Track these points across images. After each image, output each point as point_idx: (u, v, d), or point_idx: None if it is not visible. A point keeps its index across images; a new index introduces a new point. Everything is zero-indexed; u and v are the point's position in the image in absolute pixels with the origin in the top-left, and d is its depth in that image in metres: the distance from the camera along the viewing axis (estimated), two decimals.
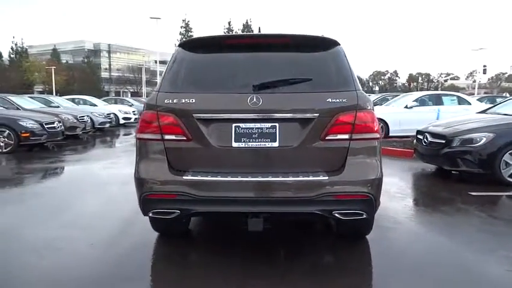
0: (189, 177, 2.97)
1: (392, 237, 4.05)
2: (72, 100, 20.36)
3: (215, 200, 2.99)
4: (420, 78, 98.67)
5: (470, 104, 13.21)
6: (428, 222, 4.67)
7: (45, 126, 10.71)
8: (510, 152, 6.11)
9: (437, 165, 7.38)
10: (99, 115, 16.46)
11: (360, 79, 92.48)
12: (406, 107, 12.78)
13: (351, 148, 3.01)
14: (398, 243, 3.93)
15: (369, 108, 3.07)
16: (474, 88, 54.51)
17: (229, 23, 54.93)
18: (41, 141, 10.63)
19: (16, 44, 55.36)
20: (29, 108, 12.88)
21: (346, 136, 3.00)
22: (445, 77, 78.93)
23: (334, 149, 3.02)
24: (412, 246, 3.85)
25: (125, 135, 16.01)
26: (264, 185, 2.96)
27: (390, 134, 12.19)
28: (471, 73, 79.76)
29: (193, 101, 3.03)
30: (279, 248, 3.73)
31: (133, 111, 20.68)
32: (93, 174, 7.64)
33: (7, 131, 10.00)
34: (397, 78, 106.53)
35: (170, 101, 3.06)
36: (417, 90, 58.93)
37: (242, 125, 3.01)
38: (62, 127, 11.64)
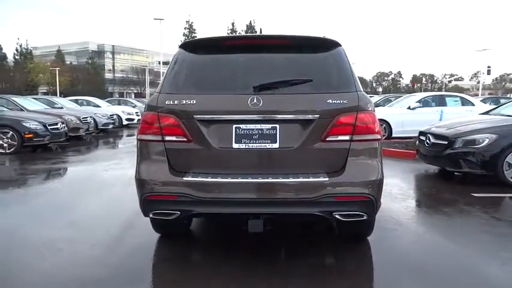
0: (190, 178, 2.98)
1: (394, 238, 4.04)
2: (76, 101, 20.43)
3: (215, 201, 3.00)
4: (424, 79, 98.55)
5: (473, 105, 13.15)
6: (430, 223, 4.65)
7: (49, 127, 10.74)
8: None
9: (439, 167, 7.35)
10: (102, 116, 16.50)
11: (364, 80, 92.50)
12: (409, 108, 12.75)
13: (351, 149, 3.00)
14: (399, 244, 3.92)
15: (369, 109, 3.06)
16: (478, 89, 54.33)
17: (232, 23, 55.08)
18: (44, 142, 10.67)
19: (21, 46, 55.80)
20: (32, 109, 12.93)
21: (346, 137, 3.00)
22: (449, 78, 78.68)
23: (334, 150, 3.02)
24: (413, 248, 3.84)
25: (128, 136, 16.04)
26: (264, 186, 2.96)
27: (393, 135, 12.17)
28: (475, 74, 79.54)
29: (194, 102, 3.04)
30: (280, 249, 3.73)
31: (136, 112, 20.71)
32: (96, 175, 7.66)
33: (10, 132, 10.05)
34: (400, 79, 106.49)
35: (171, 102, 3.06)
36: (421, 91, 58.72)
37: (243, 126, 3.01)
38: (65, 128, 11.67)
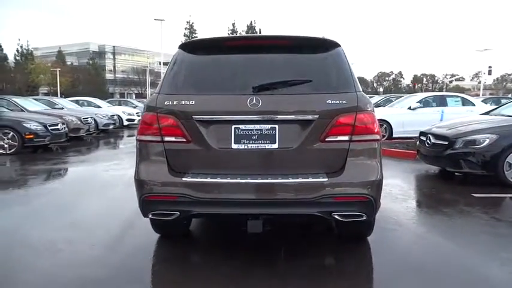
0: (189, 179, 2.98)
1: (394, 238, 4.03)
2: (76, 102, 20.46)
3: (214, 201, 3.00)
4: (425, 79, 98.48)
5: (474, 105, 13.14)
6: (431, 224, 4.64)
7: (49, 128, 10.76)
8: None
9: (440, 167, 7.34)
10: (103, 117, 16.52)
11: (365, 80, 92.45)
12: (409, 108, 12.73)
13: (350, 150, 3.00)
14: (400, 245, 3.91)
15: (369, 109, 3.06)
16: (479, 89, 54.24)
17: (233, 24, 54.96)
18: (45, 143, 10.69)
19: (22, 46, 55.77)
20: (33, 110, 12.94)
21: (346, 138, 3.00)
22: (450, 78, 78.59)
23: (334, 151, 3.01)
24: (414, 248, 3.83)
25: (128, 136, 16.04)
26: (264, 187, 2.96)
27: (393, 136, 12.16)
28: (476, 74, 79.35)
29: (193, 102, 3.04)
30: (279, 249, 3.72)
31: (137, 113, 20.74)
32: (96, 176, 7.67)
33: (11, 133, 10.06)
34: (401, 79, 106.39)
35: (170, 103, 3.06)
36: (422, 91, 58.68)
37: (242, 126, 3.01)
38: (66, 129, 11.68)
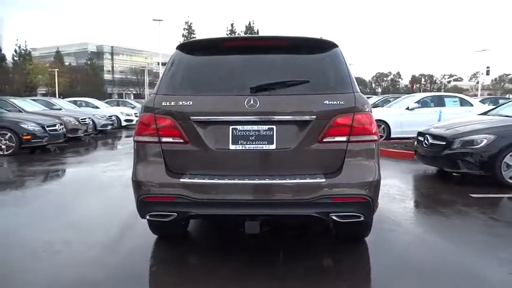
0: (186, 180, 2.97)
1: (392, 239, 4.03)
2: (74, 102, 20.42)
3: (212, 202, 2.99)
4: (423, 80, 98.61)
5: (472, 105, 13.18)
6: (428, 224, 4.65)
7: (47, 128, 10.73)
8: (511, 153, 6.08)
9: (438, 167, 7.35)
10: (101, 117, 16.50)
11: (363, 80, 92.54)
12: (407, 108, 12.75)
13: (348, 150, 3.00)
14: (397, 245, 3.91)
15: (366, 110, 3.06)
16: (477, 89, 54.32)
17: (231, 24, 54.83)
18: (43, 144, 10.65)
19: (19, 47, 55.55)
20: (30, 111, 12.90)
21: (343, 138, 2.99)
22: (448, 78, 78.72)
23: (331, 151, 3.01)
24: (411, 249, 3.83)
25: (126, 137, 16.03)
26: (261, 188, 2.95)
27: (392, 136, 12.18)
28: (474, 74, 79.58)
29: (191, 103, 3.03)
30: (278, 251, 3.72)
31: (135, 113, 20.71)
32: (94, 177, 7.66)
33: (9, 134, 10.03)
34: (400, 79, 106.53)
35: (167, 104, 3.06)
36: (420, 92, 58.75)
37: (239, 127, 3.01)
38: (64, 129, 11.65)
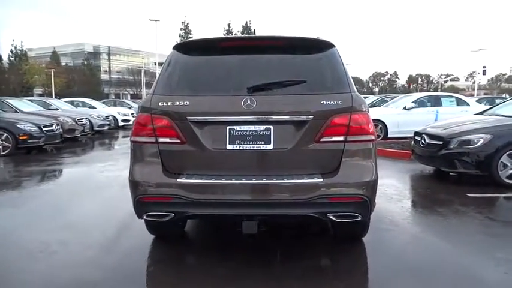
0: (184, 180, 2.97)
1: (389, 239, 4.04)
2: (71, 103, 20.37)
3: (209, 202, 2.99)
4: (420, 80, 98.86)
5: (468, 105, 13.21)
6: (426, 224, 4.65)
7: (44, 129, 10.70)
8: (508, 153, 6.11)
9: (435, 167, 7.37)
10: (98, 117, 16.46)
11: (360, 80, 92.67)
12: (404, 108, 12.78)
13: (345, 150, 3.00)
14: (395, 245, 3.92)
15: (363, 110, 3.06)
16: (474, 89, 54.54)
17: (228, 24, 54.92)
18: (39, 144, 10.61)
19: (16, 47, 55.39)
20: (27, 111, 12.87)
21: (340, 138, 3.00)
22: (445, 78, 79.00)
23: (328, 151, 3.01)
24: (409, 248, 3.84)
25: (123, 137, 15.98)
26: (258, 188, 2.95)
27: (389, 136, 12.19)
28: (471, 74, 79.70)
29: (188, 103, 3.02)
30: (275, 251, 3.71)
31: (132, 114, 20.67)
32: (91, 177, 7.64)
33: (5, 134, 9.99)
34: (396, 79, 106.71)
35: (164, 104, 3.05)
36: (417, 92, 58.90)
37: (236, 127, 3.00)
38: (60, 130, 11.62)
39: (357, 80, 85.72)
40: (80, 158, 10.45)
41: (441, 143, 6.60)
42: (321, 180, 2.92)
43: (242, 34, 51.19)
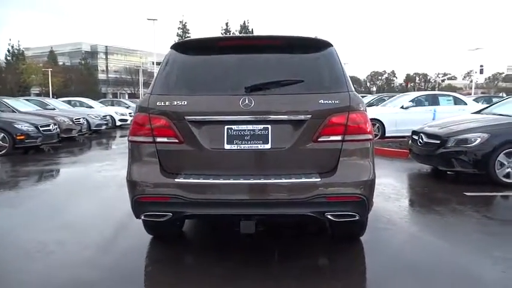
0: (182, 180, 2.96)
1: (387, 238, 4.04)
2: (69, 102, 20.31)
3: (207, 202, 2.99)
4: (417, 79, 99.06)
5: (466, 104, 13.24)
6: (423, 223, 4.66)
7: (41, 128, 10.65)
8: (505, 152, 6.12)
9: (432, 166, 7.38)
10: (96, 117, 16.40)
11: (358, 79, 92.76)
12: (402, 107, 12.80)
13: (343, 149, 3.00)
14: (392, 244, 3.92)
15: (361, 109, 3.06)
16: (471, 88, 54.64)
17: (226, 24, 54.85)
18: (36, 144, 10.56)
19: (13, 47, 55.21)
20: (24, 111, 12.81)
21: (338, 137, 3.00)
22: (443, 77, 79.14)
23: (326, 151, 3.01)
24: (406, 247, 3.84)
25: (121, 137, 15.96)
26: (257, 187, 2.95)
27: (386, 135, 12.21)
28: (468, 73, 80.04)
29: (185, 103, 3.02)
30: (273, 250, 3.71)
31: (129, 113, 20.60)
32: (89, 177, 7.62)
33: (2, 134, 9.93)
34: (394, 78, 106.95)
35: (162, 104, 3.04)
36: (414, 91, 59.02)
37: (234, 127, 3.00)
38: (58, 129, 11.57)
39: (355, 79, 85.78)
40: (78, 157, 10.43)
41: (438, 142, 6.61)
42: (319, 179, 2.92)
43: (240, 33, 51.21)
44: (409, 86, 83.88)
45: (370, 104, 17.54)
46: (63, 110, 15.97)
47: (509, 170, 6.13)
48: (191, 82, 3.20)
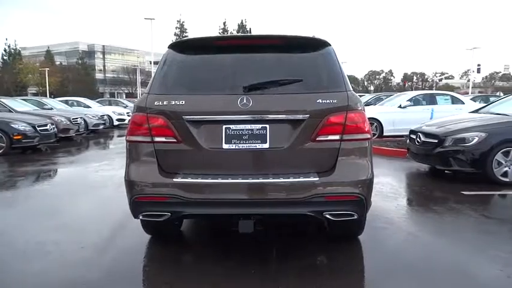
0: (180, 180, 2.96)
1: (385, 237, 4.04)
2: (66, 102, 20.27)
3: (206, 202, 2.98)
4: (415, 78, 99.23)
5: (463, 103, 13.27)
6: (421, 222, 4.67)
7: (38, 128, 10.62)
8: (502, 151, 6.14)
9: (430, 165, 7.40)
10: (93, 117, 16.38)
11: (356, 79, 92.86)
12: (400, 106, 12.82)
13: (341, 149, 3.00)
14: (390, 243, 3.93)
15: (359, 108, 3.06)
16: (468, 87, 54.75)
17: (224, 23, 54.98)
18: (34, 144, 10.55)
19: (9, 46, 55.15)
20: (21, 111, 12.76)
21: (336, 137, 3.00)
22: (440, 76, 79.25)
23: (324, 150, 3.01)
24: (404, 246, 3.85)
25: (118, 136, 15.93)
26: (255, 187, 2.95)
27: (384, 134, 12.23)
28: (465, 72, 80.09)
29: (183, 102, 3.01)
30: (272, 249, 3.71)
31: (127, 113, 20.58)
32: (86, 177, 7.60)
33: None
34: (392, 77, 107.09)
35: (160, 103, 3.04)
36: (412, 90, 59.12)
37: (232, 126, 3.00)
38: (55, 129, 11.55)
39: (353, 79, 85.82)
40: (75, 157, 10.40)
41: (436, 141, 6.63)
42: (317, 179, 2.92)
43: (238, 33, 51.18)
44: (406, 85, 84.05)
45: (368, 103, 17.54)
46: (60, 109, 15.95)
47: (506, 168, 6.15)
48: (189, 81, 3.19)
